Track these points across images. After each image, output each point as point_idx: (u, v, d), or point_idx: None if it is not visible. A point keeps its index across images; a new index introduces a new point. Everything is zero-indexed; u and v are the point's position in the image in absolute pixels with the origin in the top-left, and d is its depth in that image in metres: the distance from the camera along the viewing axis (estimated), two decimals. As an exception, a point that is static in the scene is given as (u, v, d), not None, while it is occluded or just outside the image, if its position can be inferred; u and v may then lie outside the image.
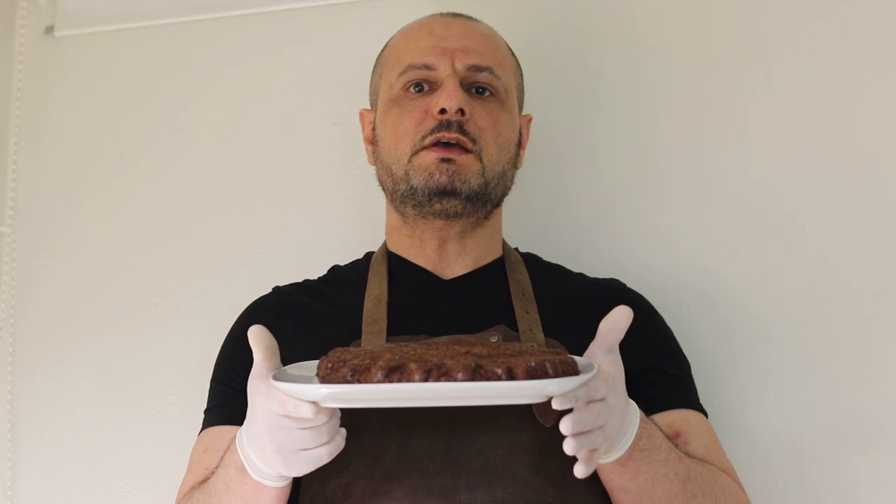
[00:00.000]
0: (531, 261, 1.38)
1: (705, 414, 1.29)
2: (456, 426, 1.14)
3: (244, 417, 1.05)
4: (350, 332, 1.24)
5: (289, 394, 0.95)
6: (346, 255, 1.43)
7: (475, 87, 1.31)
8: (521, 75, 1.40)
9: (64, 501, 1.72)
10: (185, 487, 1.25)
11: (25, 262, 1.81)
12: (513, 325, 1.24)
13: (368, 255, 1.39)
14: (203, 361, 1.37)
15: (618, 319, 1.01)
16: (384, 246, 1.37)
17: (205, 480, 1.17)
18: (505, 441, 1.13)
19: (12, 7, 1.86)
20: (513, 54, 1.39)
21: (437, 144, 1.26)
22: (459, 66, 1.29)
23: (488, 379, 0.91)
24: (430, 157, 1.26)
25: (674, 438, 1.19)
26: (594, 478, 1.12)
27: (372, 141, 1.37)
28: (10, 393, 1.77)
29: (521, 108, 1.39)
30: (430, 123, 1.27)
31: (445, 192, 1.26)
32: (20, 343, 1.79)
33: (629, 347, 1.05)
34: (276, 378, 0.97)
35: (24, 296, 1.80)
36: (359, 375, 0.92)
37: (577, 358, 1.00)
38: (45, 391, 1.76)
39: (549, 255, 1.42)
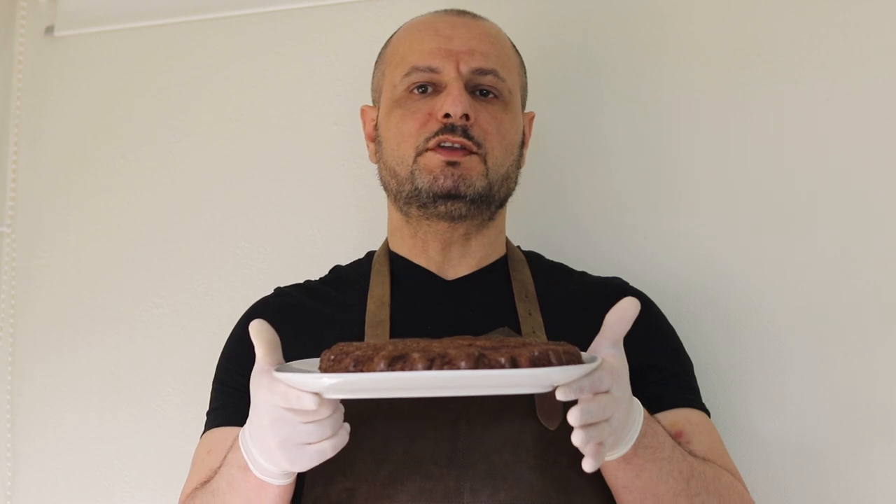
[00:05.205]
0: (534, 259, 1.37)
1: (708, 413, 1.28)
2: (460, 427, 1.13)
3: (247, 418, 1.04)
4: (353, 335, 1.23)
5: (291, 385, 0.94)
6: (347, 256, 1.42)
7: (479, 90, 1.30)
8: (525, 73, 1.39)
9: (64, 501, 1.72)
10: (188, 489, 1.24)
11: (25, 262, 1.81)
12: (516, 326, 1.24)
13: (370, 255, 1.38)
14: (203, 361, 1.37)
15: (625, 311, 1.01)
16: (385, 245, 1.36)
17: (208, 481, 1.16)
18: (509, 443, 1.13)
19: (12, 7, 1.86)
20: (517, 51, 1.38)
21: (441, 146, 1.26)
22: (464, 68, 1.28)
23: (491, 367, 0.90)
24: (436, 160, 1.25)
25: (676, 438, 1.18)
26: (598, 480, 1.12)
27: (374, 139, 1.36)
28: (10, 393, 1.77)
29: (524, 106, 1.38)
30: (434, 126, 1.26)
31: (450, 196, 1.25)
32: (20, 343, 1.79)
33: (632, 346, 1.04)
34: (278, 371, 0.96)
35: (24, 296, 1.80)
36: (361, 366, 0.92)
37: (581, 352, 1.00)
38: (45, 391, 1.76)
39: (551, 254, 1.42)
